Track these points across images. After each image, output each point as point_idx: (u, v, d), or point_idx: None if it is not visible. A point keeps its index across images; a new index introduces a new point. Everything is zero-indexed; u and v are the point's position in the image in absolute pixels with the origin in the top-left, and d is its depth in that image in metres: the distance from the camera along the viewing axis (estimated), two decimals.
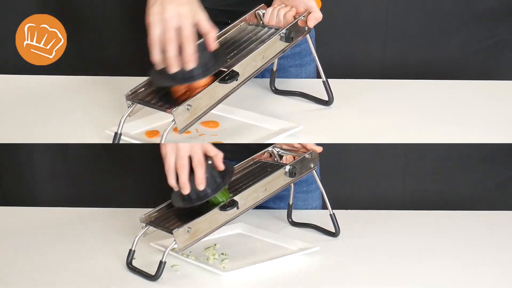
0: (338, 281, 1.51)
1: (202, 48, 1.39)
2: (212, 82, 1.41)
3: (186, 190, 1.46)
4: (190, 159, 1.46)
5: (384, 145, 2.51)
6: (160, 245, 1.61)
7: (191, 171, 1.47)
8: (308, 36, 1.59)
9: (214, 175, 1.48)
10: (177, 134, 1.41)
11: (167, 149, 1.44)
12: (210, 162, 1.47)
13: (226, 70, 1.44)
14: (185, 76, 1.38)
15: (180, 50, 1.37)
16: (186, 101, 1.39)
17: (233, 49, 1.54)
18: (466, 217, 1.90)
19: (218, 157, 1.48)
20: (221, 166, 1.48)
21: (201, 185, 1.45)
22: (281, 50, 1.54)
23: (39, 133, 1.56)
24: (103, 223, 1.84)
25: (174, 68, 1.36)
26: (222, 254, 1.60)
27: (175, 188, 1.47)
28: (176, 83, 1.40)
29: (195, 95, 1.40)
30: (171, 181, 1.45)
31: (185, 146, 1.43)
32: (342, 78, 1.83)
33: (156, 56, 1.36)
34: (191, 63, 1.36)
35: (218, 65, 1.42)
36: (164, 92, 1.45)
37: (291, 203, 1.78)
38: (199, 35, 1.42)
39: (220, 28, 1.59)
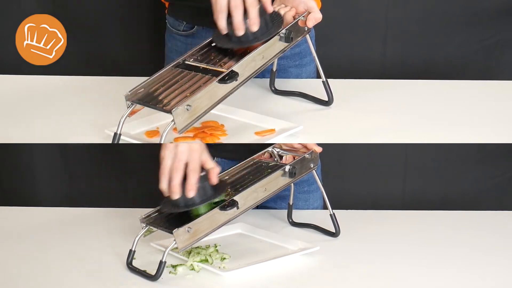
0: (338, 281, 1.51)
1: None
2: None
3: (175, 195, 1.47)
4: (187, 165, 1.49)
5: (384, 145, 2.51)
6: (160, 245, 1.61)
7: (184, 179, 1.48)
8: (308, 36, 1.59)
9: (206, 187, 1.50)
10: (177, 134, 1.41)
11: (166, 151, 1.48)
12: (204, 173, 1.49)
13: (225, 70, 1.44)
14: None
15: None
16: (186, 101, 1.39)
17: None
18: (466, 217, 1.90)
19: (214, 171, 1.50)
20: (214, 180, 1.51)
21: (190, 191, 1.47)
22: (281, 50, 1.54)
23: (39, 133, 1.56)
24: (103, 223, 1.84)
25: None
26: (222, 254, 1.60)
27: (165, 193, 1.50)
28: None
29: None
30: (163, 185, 1.48)
31: (184, 150, 1.47)
32: (342, 78, 1.83)
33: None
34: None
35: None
36: None
37: (291, 203, 1.78)
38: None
39: (214, 27, 1.58)
